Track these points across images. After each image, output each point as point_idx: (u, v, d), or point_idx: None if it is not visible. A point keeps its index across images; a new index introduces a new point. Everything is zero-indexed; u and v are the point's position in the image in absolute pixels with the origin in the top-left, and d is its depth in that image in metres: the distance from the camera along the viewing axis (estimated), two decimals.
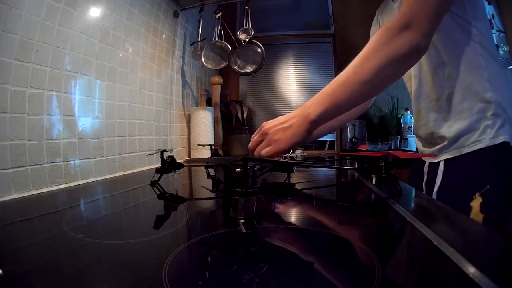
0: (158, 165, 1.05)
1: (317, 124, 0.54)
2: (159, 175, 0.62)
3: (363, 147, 1.73)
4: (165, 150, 0.65)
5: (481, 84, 0.60)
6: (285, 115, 0.58)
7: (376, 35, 0.52)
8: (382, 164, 0.52)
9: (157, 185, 0.60)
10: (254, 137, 0.60)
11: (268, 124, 0.58)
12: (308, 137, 0.56)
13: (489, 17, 1.71)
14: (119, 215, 0.49)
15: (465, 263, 0.25)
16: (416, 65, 0.67)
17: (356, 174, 0.81)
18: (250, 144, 0.61)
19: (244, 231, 0.37)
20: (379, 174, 0.52)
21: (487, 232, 0.40)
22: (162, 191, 0.58)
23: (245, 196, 0.40)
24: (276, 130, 0.56)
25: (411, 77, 0.72)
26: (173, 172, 0.63)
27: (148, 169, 1.01)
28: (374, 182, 0.58)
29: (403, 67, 0.54)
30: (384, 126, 1.95)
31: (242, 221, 0.39)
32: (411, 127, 1.80)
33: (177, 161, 0.64)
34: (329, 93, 0.54)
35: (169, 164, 0.62)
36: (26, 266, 0.27)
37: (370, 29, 0.88)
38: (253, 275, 0.24)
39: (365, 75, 0.51)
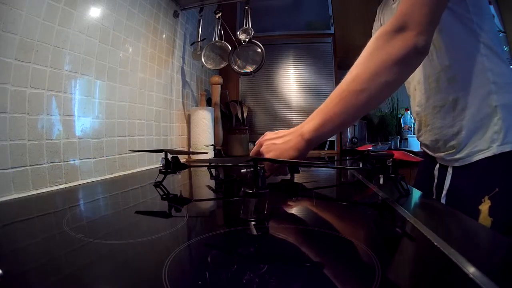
0: (158, 165, 1.05)
1: (312, 142, 0.53)
2: (163, 175, 0.61)
3: (366, 147, 1.73)
4: (169, 151, 0.64)
5: (486, 87, 0.57)
6: (285, 131, 0.58)
7: (371, 41, 0.51)
8: (390, 164, 0.52)
9: (160, 186, 0.60)
10: (254, 148, 0.61)
11: (267, 140, 0.59)
12: (304, 155, 0.55)
13: None
14: (119, 215, 0.48)
15: (465, 263, 0.25)
16: (419, 70, 0.65)
17: (360, 176, 0.81)
18: (250, 154, 0.63)
19: (255, 232, 0.36)
20: (387, 174, 0.52)
21: (488, 232, 0.40)
22: (166, 192, 0.58)
23: (255, 197, 0.40)
24: (270, 144, 0.57)
25: (414, 83, 0.70)
26: (177, 172, 0.63)
27: (148, 169, 1.01)
28: (381, 182, 0.58)
29: (403, 71, 0.50)
30: (384, 126, 1.95)
31: (253, 222, 0.39)
32: (411, 127, 1.80)
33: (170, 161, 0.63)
34: (323, 108, 0.52)
35: (173, 165, 0.61)
36: (26, 266, 0.27)
37: (370, 29, 0.88)
38: (253, 275, 0.24)
39: (359, 84, 0.48)
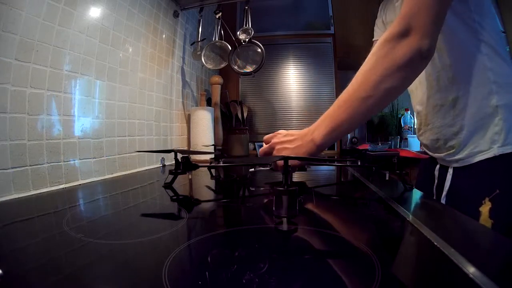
0: (158, 165, 1.04)
1: (322, 147, 0.55)
2: (172, 176, 0.59)
3: (364, 146, 1.73)
4: (179, 151, 0.63)
5: (486, 86, 0.57)
6: (295, 132, 0.59)
7: (376, 46, 0.51)
8: (395, 161, 0.55)
9: (171, 187, 0.59)
10: (265, 148, 0.62)
11: (278, 143, 0.60)
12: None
13: None
14: (119, 215, 0.49)
15: (465, 263, 0.25)
16: None
17: (359, 175, 0.81)
18: (260, 151, 0.64)
19: (284, 228, 0.37)
20: (392, 171, 0.56)
21: (488, 232, 0.40)
22: (175, 193, 0.57)
23: (286, 194, 0.40)
24: (283, 148, 0.58)
25: (416, 82, 0.70)
26: (187, 173, 0.60)
27: (148, 169, 1.01)
28: (387, 178, 0.61)
29: (408, 76, 0.51)
30: (384, 126, 1.95)
31: (285, 219, 0.40)
32: (411, 127, 1.80)
33: (179, 161, 0.63)
34: (331, 114, 0.53)
35: (183, 165, 0.59)
36: (26, 266, 0.27)
37: (370, 29, 0.88)
38: (253, 275, 0.24)
39: (365, 91, 0.49)
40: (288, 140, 0.58)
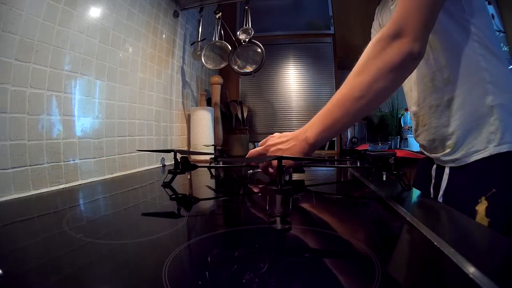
0: (158, 165, 1.05)
1: (315, 146, 0.55)
2: (171, 176, 0.60)
3: (363, 147, 1.73)
4: (179, 151, 0.63)
5: (482, 86, 0.57)
6: (290, 133, 0.59)
7: (368, 47, 0.52)
8: (392, 162, 0.56)
9: (170, 186, 0.59)
10: (258, 150, 0.62)
11: (272, 145, 0.60)
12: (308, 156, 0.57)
13: None
14: (119, 215, 0.49)
15: (465, 263, 0.25)
16: (415, 70, 0.66)
17: (358, 174, 0.81)
18: (251, 151, 0.64)
19: (279, 227, 0.37)
20: (390, 171, 0.57)
21: (487, 232, 0.40)
22: (174, 192, 0.58)
23: (280, 193, 0.41)
24: (276, 149, 0.58)
25: (411, 83, 0.70)
26: (186, 173, 0.61)
27: (148, 169, 1.01)
28: (384, 178, 0.63)
29: (399, 77, 0.52)
30: (384, 126, 1.95)
31: (278, 218, 0.40)
32: (411, 127, 1.80)
33: (179, 161, 0.63)
34: (325, 113, 0.54)
35: (182, 165, 0.60)
36: (26, 266, 0.27)
37: (370, 29, 0.88)
38: (253, 275, 0.24)
39: (358, 91, 0.50)
40: (281, 141, 0.58)
